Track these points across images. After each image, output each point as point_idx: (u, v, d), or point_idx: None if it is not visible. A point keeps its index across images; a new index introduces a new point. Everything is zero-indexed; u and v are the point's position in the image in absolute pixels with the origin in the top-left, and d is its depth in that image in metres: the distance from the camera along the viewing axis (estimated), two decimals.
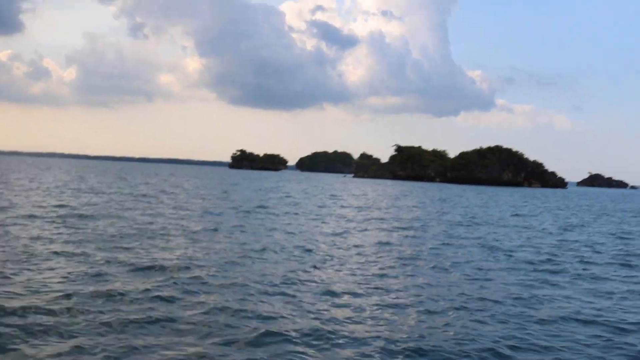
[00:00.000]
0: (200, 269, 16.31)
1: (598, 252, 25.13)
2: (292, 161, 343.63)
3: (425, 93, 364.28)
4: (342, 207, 47.42)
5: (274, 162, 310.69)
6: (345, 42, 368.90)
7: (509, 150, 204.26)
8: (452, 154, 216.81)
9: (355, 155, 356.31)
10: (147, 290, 13.45)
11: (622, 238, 32.55)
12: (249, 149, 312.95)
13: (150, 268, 16.02)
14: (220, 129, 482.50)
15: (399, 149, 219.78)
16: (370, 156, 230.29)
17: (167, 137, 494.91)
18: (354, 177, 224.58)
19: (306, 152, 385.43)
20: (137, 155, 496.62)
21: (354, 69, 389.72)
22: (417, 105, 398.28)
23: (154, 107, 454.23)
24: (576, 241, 29.33)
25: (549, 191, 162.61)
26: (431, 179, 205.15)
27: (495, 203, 67.82)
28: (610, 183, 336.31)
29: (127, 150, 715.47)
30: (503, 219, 42.75)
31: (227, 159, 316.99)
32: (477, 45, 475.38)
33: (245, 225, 28.55)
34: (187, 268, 16.29)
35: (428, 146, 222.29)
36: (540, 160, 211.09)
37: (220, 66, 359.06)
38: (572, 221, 44.63)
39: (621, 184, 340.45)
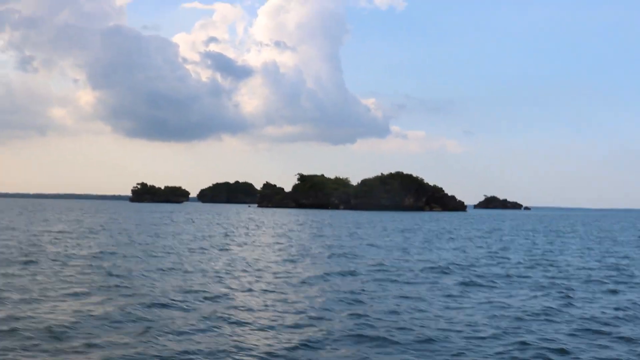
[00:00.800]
0: None
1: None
2: (193, 193, 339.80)
3: (321, 121, 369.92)
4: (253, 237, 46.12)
5: (175, 194, 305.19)
6: (240, 72, 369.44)
7: (409, 176, 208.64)
8: (354, 180, 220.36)
9: (257, 185, 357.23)
10: None
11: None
12: (149, 182, 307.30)
13: None
14: (117, 162, 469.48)
15: (302, 177, 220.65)
16: (274, 185, 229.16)
17: (62, 171, 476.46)
18: (258, 206, 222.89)
19: (207, 183, 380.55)
20: (31, 192, 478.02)
21: (250, 99, 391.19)
22: (314, 134, 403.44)
23: (47, 141, 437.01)
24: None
25: (453, 214, 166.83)
26: (335, 207, 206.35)
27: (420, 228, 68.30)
28: (505, 204, 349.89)
29: (20, 186, 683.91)
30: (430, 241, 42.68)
31: (128, 192, 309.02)
32: (370, 73, 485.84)
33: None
34: None
35: (326, 173, 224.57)
36: (438, 184, 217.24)
37: (113, 99, 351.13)
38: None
39: (516, 205, 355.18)
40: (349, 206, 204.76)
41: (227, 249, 36.64)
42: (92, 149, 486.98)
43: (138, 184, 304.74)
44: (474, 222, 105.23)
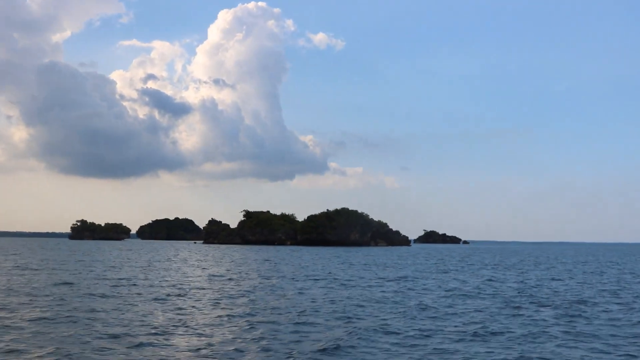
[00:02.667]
0: None
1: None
2: (132, 229, 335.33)
3: (259, 158, 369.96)
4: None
5: (116, 232, 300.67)
6: (178, 109, 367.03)
7: (355, 212, 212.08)
8: (299, 217, 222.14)
9: (197, 221, 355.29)
10: None
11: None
12: (88, 219, 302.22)
13: None
14: (53, 199, 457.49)
15: (248, 214, 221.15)
16: (219, 222, 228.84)
17: None
18: (203, 243, 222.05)
19: (145, 220, 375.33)
20: None
21: (188, 136, 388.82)
22: (252, 170, 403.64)
23: None
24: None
25: (401, 248, 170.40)
26: (282, 243, 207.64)
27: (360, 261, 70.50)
28: (444, 239, 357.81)
29: None
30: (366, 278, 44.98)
31: (67, 229, 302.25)
32: (308, 111, 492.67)
33: None
34: None
35: (265, 209, 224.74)
36: (377, 219, 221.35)
37: (48, 135, 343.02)
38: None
39: (455, 240, 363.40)
40: (296, 242, 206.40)
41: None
42: (26, 186, 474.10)
43: (77, 221, 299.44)
44: (429, 256, 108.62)
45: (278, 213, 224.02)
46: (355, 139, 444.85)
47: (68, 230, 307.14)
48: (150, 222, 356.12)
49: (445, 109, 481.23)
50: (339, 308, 27.76)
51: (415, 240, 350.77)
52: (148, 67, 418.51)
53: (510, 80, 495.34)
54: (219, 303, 29.38)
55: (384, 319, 24.21)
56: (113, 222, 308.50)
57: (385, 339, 19.74)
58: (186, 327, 21.74)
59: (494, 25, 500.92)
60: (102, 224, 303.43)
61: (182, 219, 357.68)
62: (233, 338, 19.65)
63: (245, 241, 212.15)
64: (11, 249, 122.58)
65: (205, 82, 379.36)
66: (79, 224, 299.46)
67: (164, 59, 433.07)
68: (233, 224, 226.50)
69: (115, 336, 19.48)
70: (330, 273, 53.95)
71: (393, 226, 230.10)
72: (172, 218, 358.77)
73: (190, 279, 45.86)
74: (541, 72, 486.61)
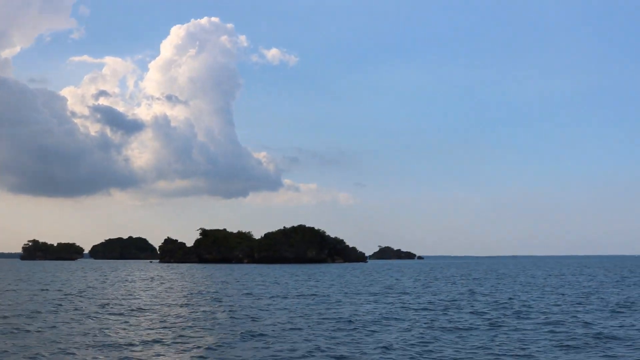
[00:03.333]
0: None
1: None
2: (85, 249, 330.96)
3: (213, 175, 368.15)
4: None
5: (69, 252, 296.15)
6: (130, 126, 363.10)
7: (312, 229, 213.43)
8: (256, 234, 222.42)
9: (151, 239, 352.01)
10: None
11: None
12: (39, 239, 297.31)
13: None
14: (2, 219, 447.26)
15: (204, 232, 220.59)
16: (175, 240, 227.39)
17: None
18: (160, 262, 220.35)
19: (98, 239, 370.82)
20: None
21: (140, 153, 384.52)
22: (206, 188, 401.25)
23: None
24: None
25: (359, 265, 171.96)
26: (239, 261, 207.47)
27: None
28: (399, 255, 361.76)
29: None
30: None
31: (19, 249, 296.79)
32: (262, 127, 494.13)
33: None
34: None
35: (220, 227, 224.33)
36: (333, 236, 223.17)
37: None
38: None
39: (410, 255, 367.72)
40: (253, 260, 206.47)
41: None
42: None
43: (29, 241, 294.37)
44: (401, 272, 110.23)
45: (233, 230, 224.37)
46: (309, 155, 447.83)
47: (19, 250, 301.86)
48: (104, 241, 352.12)
49: (400, 123, 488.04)
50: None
51: (370, 257, 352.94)
52: (100, 83, 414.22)
53: (468, 95, 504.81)
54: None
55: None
56: (65, 241, 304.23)
57: None
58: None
59: (446, 39, 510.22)
60: (55, 244, 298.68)
61: (135, 237, 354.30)
62: None
63: (202, 260, 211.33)
64: None
65: (157, 99, 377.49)
66: (30, 244, 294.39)
67: (116, 75, 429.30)
68: (188, 242, 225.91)
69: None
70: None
71: (348, 242, 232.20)
72: (125, 237, 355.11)
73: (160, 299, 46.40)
74: (501, 85, 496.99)
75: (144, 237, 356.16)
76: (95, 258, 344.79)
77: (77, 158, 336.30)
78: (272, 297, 47.23)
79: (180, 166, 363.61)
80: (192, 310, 36.98)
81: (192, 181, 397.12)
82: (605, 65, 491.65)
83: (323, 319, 31.78)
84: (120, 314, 34.45)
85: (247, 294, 51.31)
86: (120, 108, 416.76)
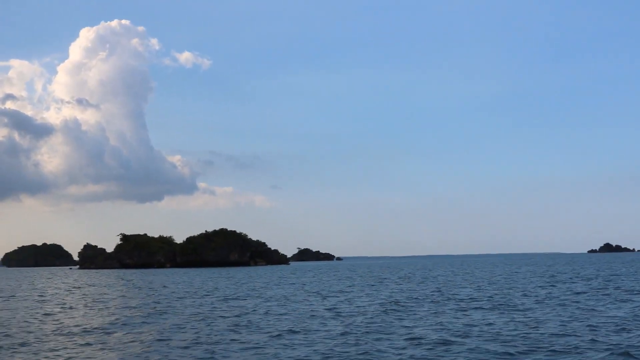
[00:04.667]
0: None
1: None
2: None
3: (126, 179, 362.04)
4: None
5: None
6: (39, 131, 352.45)
7: (233, 232, 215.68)
8: (177, 239, 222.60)
9: (66, 246, 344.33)
10: None
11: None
12: None
13: None
14: None
15: (125, 237, 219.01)
16: (95, 246, 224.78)
17: None
18: (79, 268, 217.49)
19: (9, 247, 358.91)
20: None
21: (50, 158, 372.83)
22: (119, 192, 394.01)
23: None
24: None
25: (283, 267, 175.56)
26: (161, 265, 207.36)
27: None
28: (318, 256, 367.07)
29: None
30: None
31: None
32: (176, 131, 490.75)
33: None
34: None
35: (135, 231, 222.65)
36: (253, 239, 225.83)
37: None
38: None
39: (329, 257, 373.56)
40: (175, 264, 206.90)
41: None
42: None
43: None
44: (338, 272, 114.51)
45: (150, 234, 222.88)
46: (224, 159, 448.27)
47: None
48: (17, 248, 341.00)
49: (315, 127, 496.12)
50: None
51: (290, 259, 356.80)
52: (6, 86, 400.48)
53: (383, 98, 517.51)
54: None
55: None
56: None
57: None
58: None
59: (362, 42, 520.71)
60: None
61: (50, 244, 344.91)
62: None
63: (123, 265, 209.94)
64: None
65: (67, 102, 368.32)
66: None
67: (23, 78, 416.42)
68: (107, 247, 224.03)
69: None
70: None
71: (268, 245, 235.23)
72: (39, 244, 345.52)
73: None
74: (411, 88, 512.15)
75: (58, 243, 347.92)
76: (9, 266, 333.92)
77: None
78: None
79: (92, 170, 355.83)
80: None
81: (105, 186, 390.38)
82: (522, 68, 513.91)
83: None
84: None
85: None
86: (28, 112, 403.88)
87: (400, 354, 20.19)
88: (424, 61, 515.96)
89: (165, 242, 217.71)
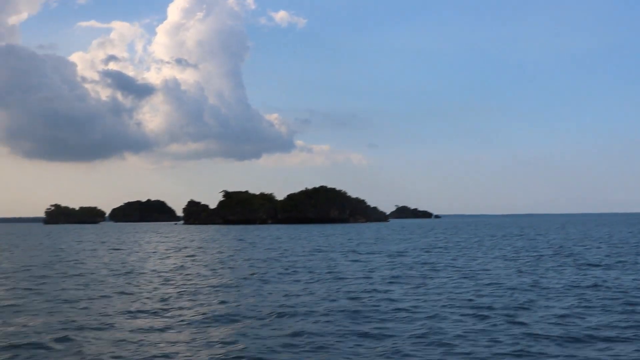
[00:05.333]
0: None
1: None
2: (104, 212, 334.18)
3: (225, 138, 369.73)
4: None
5: (91, 215, 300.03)
6: (140, 91, 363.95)
7: (333, 190, 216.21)
8: (276, 195, 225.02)
9: (169, 202, 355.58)
10: None
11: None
12: (57, 203, 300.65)
13: None
14: (20, 184, 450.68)
15: (227, 194, 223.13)
16: (198, 203, 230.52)
17: None
18: (184, 224, 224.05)
19: (115, 202, 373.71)
20: None
21: (152, 117, 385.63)
22: (218, 150, 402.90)
23: None
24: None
25: (385, 224, 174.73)
26: (263, 221, 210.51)
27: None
28: (416, 214, 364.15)
29: None
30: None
31: (38, 214, 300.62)
32: (272, 89, 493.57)
33: None
34: None
35: (233, 188, 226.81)
36: (358, 197, 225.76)
37: (10, 120, 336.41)
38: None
39: (427, 214, 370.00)
40: (277, 220, 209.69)
41: None
42: None
43: (52, 205, 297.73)
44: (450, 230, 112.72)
45: (249, 191, 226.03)
46: (320, 117, 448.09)
47: (40, 214, 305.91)
48: (123, 204, 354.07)
49: (412, 83, 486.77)
50: None
51: (388, 216, 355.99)
52: (108, 48, 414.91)
53: (479, 54, 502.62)
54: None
55: None
56: (84, 205, 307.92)
57: None
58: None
59: None
60: (77, 208, 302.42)
61: (154, 200, 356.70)
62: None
63: (226, 221, 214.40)
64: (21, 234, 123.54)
65: (167, 63, 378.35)
66: (53, 208, 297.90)
67: (124, 39, 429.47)
68: (207, 204, 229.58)
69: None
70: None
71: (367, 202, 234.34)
72: (142, 200, 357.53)
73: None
74: (511, 44, 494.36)
75: (159, 199, 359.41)
76: (116, 221, 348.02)
77: (90, 123, 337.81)
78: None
79: (192, 129, 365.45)
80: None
81: (205, 144, 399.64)
82: (620, 22, 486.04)
83: None
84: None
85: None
86: (130, 72, 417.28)
87: None
88: (521, 16, 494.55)
89: (266, 199, 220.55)
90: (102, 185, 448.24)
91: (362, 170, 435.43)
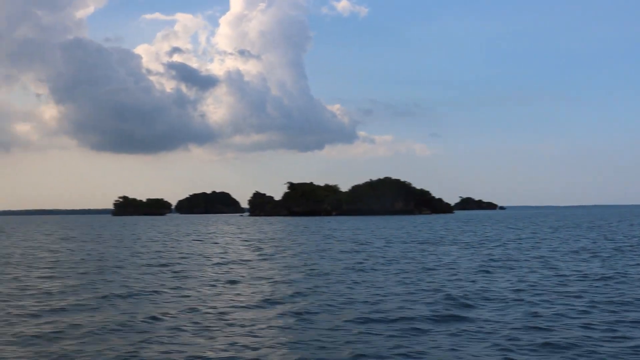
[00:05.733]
0: None
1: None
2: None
3: (287, 129, 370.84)
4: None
5: (158, 207, 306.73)
6: (204, 82, 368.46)
7: (398, 181, 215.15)
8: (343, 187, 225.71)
9: (233, 194, 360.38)
10: None
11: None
12: (124, 194, 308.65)
13: None
14: (88, 176, 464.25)
15: (292, 186, 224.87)
16: (264, 194, 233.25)
17: (29, 187, 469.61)
18: (249, 215, 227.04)
19: (178, 193, 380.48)
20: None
21: (215, 108, 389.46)
22: (281, 141, 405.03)
23: (12, 158, 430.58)
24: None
25: (447, 216, 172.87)
26: (328, 213, 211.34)
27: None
28: (480, 205, 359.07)
29: None
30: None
31: (103, 206, 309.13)
32: (335, 80, 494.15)
33: None
34: None
35: (297, 180, 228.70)
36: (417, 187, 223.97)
37: (78, 112, 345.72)
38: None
39: (491, 206, 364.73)
40: (341, 212, 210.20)
41: None
42: (60, 163, 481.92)
43: (120, 197, 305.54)
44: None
45: (311, 182, 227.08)
46: (382, 107, 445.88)
47: (106, 206, 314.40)
48: (188, 196, 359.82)
49: (476, 72, 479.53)
50: None
51: (452, 207, 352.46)
52: (172, 40, 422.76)
53: (542, 41, 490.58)
54: None
55: None
56: (150, 197, 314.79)
57: None
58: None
59: None
60: (144, 200, 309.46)
61: (218, 192, 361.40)
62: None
63: (291, 212, 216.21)
64: (97, 226, 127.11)
65: (230, 54, 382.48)
66: (121, 200, 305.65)
67: (187, 31, 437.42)
68: (273, 195, 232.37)
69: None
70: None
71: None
72: (206, 191, 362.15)
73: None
74: (575, 31, 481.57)
75: (224, 190, 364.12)
76: (181, 213, 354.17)
77: (155, 115, 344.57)
78: None
79: (255, 120, 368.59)
80: None
81: (268, 135, 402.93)
82: None
83: None
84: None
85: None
86: (194, 64, 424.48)
87: None
88: (584, 1, 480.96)
89: (330, 191, 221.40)
90: (167, 176, 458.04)
91: (424, 161, 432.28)
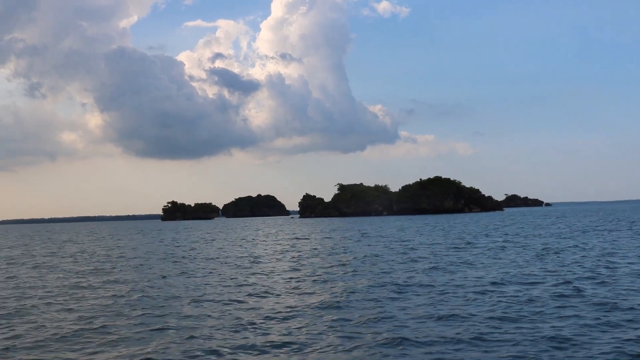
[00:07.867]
0: None
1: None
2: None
3: (329, 131, 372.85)
4: None
5: (206, 211, 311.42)
6: (246, 87, 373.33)
7: (447, 180, 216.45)
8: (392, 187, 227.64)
9: (278, 197, 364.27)
10: None
11: None
12: (170, 199, 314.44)
13: None
14: (133, 183, 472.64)
15: (342, 187, 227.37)
16: (314, 196, 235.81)
17: (76, 194, 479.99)
18: (300, 217, 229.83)
19: (222, 197, 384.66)
20: (46, 216, 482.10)
21: (257, 112, 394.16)
22: (323, 143, 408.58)
23: (58, 166, 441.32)
24: None
25: (501, 214, 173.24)
26: (379, 213, 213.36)
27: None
28: (526, 202, 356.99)
29: (34, 212, 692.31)
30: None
31: (151, 211, 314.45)
32: (376, 81, 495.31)
33: None
34: None
35: (340, 181, 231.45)
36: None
37: (122, 120, 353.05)
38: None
39: (537, 203, 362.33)
40: (392, 212, 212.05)
41: None
42: (105, 171, 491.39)
43: (168, 202, 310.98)
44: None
45: (378, 184, 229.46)
46: (424, 107, 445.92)
47: (152, 212, 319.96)
48: (234, 200, 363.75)
49: (517, 70, 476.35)
50: None
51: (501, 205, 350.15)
52: (214, 46, 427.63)
53: (585, 37, 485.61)
54: None
55: None
56: (197, 201, 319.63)
57: None
58: None
59: None
60: (192, 204, 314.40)
61: (264, 195, 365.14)
62: None
63: (341, 214, 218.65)
64: (159, 233, 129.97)
65: (271, 58, 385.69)
66: (169, 205, 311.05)
67: (229, 37, 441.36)
68: (320, 197, 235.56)
69: None
70: None
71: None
72: (251, 195, 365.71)
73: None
74: (620, 26, 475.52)
75: (268, 193, 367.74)
76: (227, 217, 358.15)
77: (198, 121, 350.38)
78: None
79: (297, 123, 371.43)
80: None
81: (310, 137, 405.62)
82: None
83: None
84: None
85: None
86: (235, 69, 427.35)
87: None
88: None
89: (380, 191, 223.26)
90: (210, 181, 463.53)
91: (468, 159, 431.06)
